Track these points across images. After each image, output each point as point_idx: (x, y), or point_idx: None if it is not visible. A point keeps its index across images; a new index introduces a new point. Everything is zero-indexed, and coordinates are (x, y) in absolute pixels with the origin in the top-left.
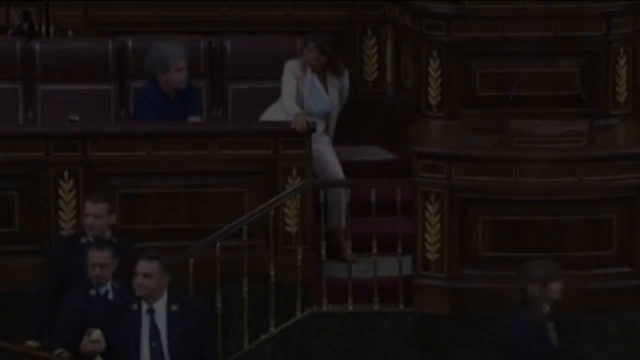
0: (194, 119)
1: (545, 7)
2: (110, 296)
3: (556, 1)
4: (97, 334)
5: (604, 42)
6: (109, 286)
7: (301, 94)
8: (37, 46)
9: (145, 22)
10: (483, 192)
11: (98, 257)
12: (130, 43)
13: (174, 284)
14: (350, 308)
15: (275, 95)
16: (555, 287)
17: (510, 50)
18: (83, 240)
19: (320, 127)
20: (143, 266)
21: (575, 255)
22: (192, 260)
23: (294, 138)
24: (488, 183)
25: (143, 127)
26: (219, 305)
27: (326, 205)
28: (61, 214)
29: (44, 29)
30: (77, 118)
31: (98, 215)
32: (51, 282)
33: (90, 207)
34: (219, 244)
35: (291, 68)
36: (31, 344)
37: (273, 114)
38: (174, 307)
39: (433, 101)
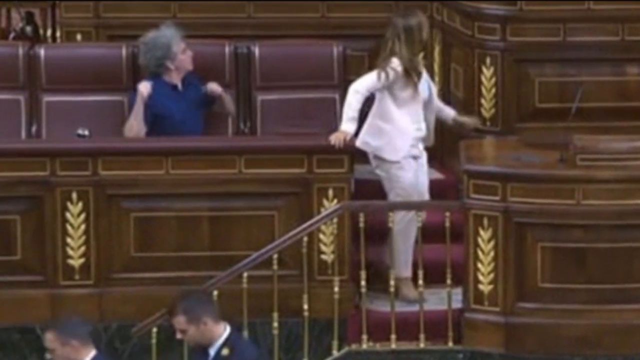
0: (212, 85)
1: (611, 8)
2: None
3: (624, 1)
4: None
5: None
6: None
7: None
8: (42, 52)
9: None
10: (542, 216)
11: None
12: None
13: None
14: (393, 346)
15: (308, 106)
16: None
17: (572, 56)
18: None
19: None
20: None
21: None
22: (215, 292)
23: (331, 155)
24: (548, 205)
25: (160, 143)
26: None
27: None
28: (68, 240)
29: (49, 33)
30: (86, 133)
31: None
32: None
33: None
34: (245, 274)
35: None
36: None
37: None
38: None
39: (486, 113)
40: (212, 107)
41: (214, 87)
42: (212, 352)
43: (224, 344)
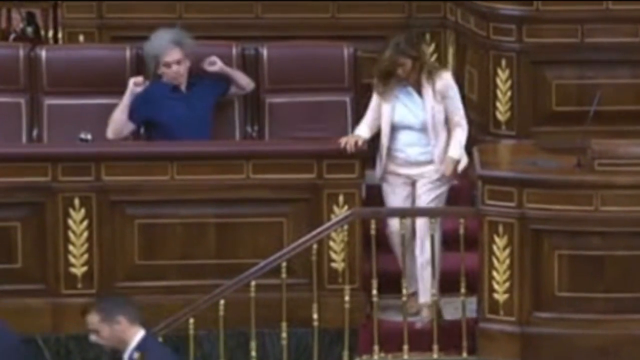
0: (208, 60)
1: (631, 8)
2: None
3: None
4: None
5: None
6: None
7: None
8: (43, 53)
9: (168, 26)
10: (559, 223)
11: None
12: None
13: (204, 329)
14: (405, 356)
15: (318, 109)
16: None
17: (590, 58)
18: None
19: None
20: None
21: None
22: (222, 302)
23: (341, 160)
24: (565, 212)
25: (165, 148)
26: (253, 353)
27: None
28: (71, 247)
29: (50, 34)
30: (89, 137)
31: None
32: None
33: None
34: (253, 283)
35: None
36: None
37: None
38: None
39: (501, 117)
40: (228, 92)
41: (210, 60)
42: (125, 356)
43: (136, 348)
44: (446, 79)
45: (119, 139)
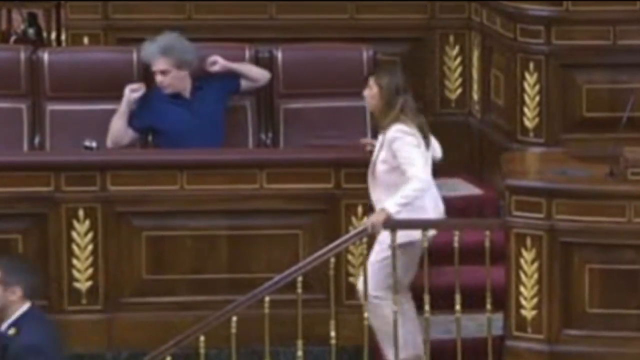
0: (210, 60)
1: None
2: None
3: None
4: None
5: None
6: None
7: None
8: (45, 56)
9: (177, 27)
10: (590, 235)
11: None
12: None
13: (215, 347)
14: None
15: (336, 115)
16: None
17: (623, 60)
18: None
19: None
20: None
21: None
22: (234, 318)
23: (359, 169)
24: (596, 224)
25: (174, 156)
26: None
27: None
28: (75, 261)
29: (53, 36)
30: (93, 144)
31: None
32: None
33: None
34: (267, 298)
35: None
36: None
37: None
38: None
39: (529, 123)
40: (241, 88)
41: (210, 61)
42: (3, 327)
43: (14, 323)
44: (393, 130)
45: (121, 148)
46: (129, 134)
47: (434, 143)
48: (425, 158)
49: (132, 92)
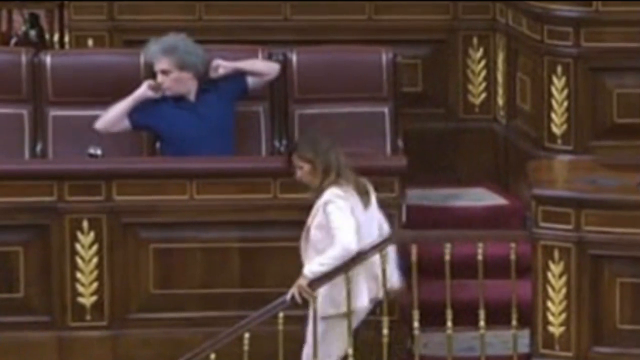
0: (214, 64)
1: None
2: None
3: None
4: None
5: None
6: None
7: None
8: (48, 59)
9: (186, 29)
10: (621, 247)
11: None
12: None
13: None
14: None
15: (353, 122)
16: None
17: None
18: None
19: None
20: None
21: None
22: (247, 335)
23: (377, 177)
24: (627, 235)
25: (184, 164)
26: None
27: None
28: (79, 275)
29: (56, 37)
30: (98, 152)
31: None
32: None
33: None
34: (281, 314)
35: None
36: None
37: None
38: None
39: (557, 130)
40: (249, 86)
41: (213, 67)
42: None
43: None
44: (327, 194)
45: (107, 132)
46: (123, 125)
47: (374, 201)
48: (364, 220)
49: (150, 88)
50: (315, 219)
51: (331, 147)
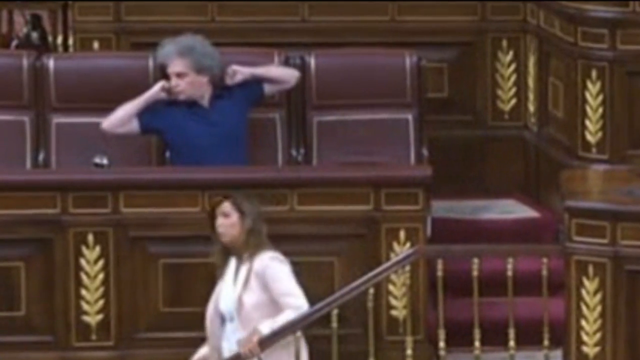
0: (229, 70)
1: None
2: None
3: None
4: None
5: None
6: None
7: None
8: (51, 63)
9: (198, 30)
10: None
11: None
12: None
13: None
14: None
15: (375, 129)
16: None
17: None
18: None
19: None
20: None
21: None
22: (262, 356)
23: (403, 188)
24: None
25: (194, 174)
26: None
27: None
28: (83, 292)
29: (59, 40)
30: (104, 161)
31: None
32: None
33: None
34: (298, 333)
35: None
36: None
37: None
38: None
39: (591, 138)
40: (265, 93)
41: (229, 73)
42: None
43: None
44: (263, 259)
45: (112, 133)
46: (131, 126)
47: None
48: None
49: (163, 90)
50: (246, 289)
51: (262, 215)
